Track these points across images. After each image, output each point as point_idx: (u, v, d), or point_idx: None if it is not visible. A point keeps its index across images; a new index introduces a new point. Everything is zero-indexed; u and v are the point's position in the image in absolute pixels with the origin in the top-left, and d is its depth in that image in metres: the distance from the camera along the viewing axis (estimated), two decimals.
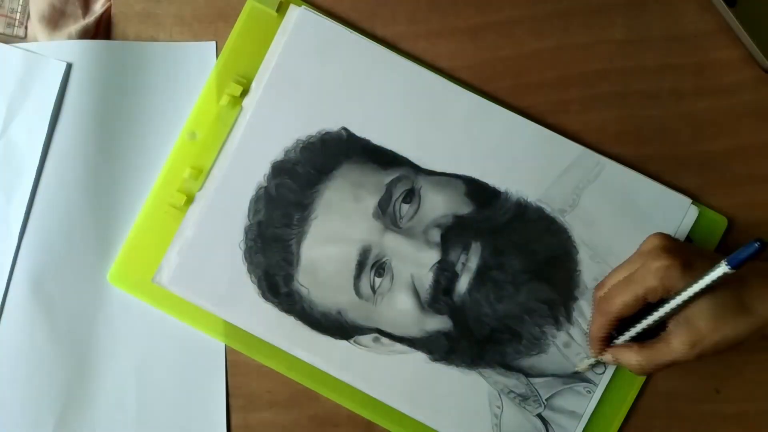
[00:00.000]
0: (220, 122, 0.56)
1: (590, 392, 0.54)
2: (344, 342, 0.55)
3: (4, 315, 0.55)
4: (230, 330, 0.55)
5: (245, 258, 0.55)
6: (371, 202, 0.55)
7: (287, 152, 0.55)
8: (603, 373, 0.54)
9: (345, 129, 0.55)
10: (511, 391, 0.55)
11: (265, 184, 0.55)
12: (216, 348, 0.56)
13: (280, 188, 0.55)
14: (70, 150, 0.56)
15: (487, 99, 0.55)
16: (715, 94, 0.56)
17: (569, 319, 0.54)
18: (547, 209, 0.55)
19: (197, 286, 0.55)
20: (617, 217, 0.55)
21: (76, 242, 0.56)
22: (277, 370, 0.55)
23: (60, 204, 0.56)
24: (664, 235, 0.49)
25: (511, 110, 0.55)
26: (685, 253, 0.47)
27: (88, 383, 0.56)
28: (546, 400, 0.55)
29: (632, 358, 0.49)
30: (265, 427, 0.56)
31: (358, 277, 0.54)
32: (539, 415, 0.55)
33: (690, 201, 0.55)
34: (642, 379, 0.55)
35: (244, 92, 0.56)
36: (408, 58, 0.56)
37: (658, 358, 0.48)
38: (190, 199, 0.55)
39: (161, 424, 0.56)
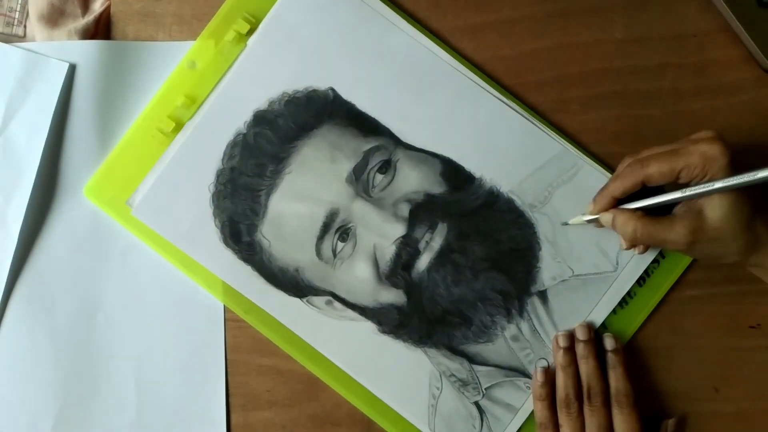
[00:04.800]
0: (221, 56, 0.55)
1: (530, 388, 0.55)
2: (297, 300, 0.55)
3: (5, 315, 0.55)
4: (191, 264, 0.55)
5: (212, 201, 0.55)
6: (347, 166, 0.55)
7: (271, 103, 0.55)
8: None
9: (332, 89, 0.55)
10: (453, 375, 0.55)
11: (244, 131, 0.55)
12: (216, 347, 0.56)
13: (258, 138, 0.55)
14: (70, 150, 0.55)
15: (482, 79, 0.55)
16: (715, 93, 0.56)
17: (521, 313, 0.55)
18: (518, 202, 0.55)
19: (161, 218, 0.55)
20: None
21: (78, 243, 0.56)
22: (241, 316, 0.55)
23: (61, 203, 0.56)
24: (720, 134, 0.48)
25: (504, 92, 0.56)
26: (733, 153, 0.47)
27: (87, 383, 0.56)
28: (485, 389, 0.55)
29: (631, 223, 0.50)
30: (265, 426, 0.56)
31: (321, 238, 0.54)
32: (476, 403, 0.55)
33: None
34: None
35: (252, 31, 0.55)
36: (407, 32, 0.56)
37: (656, 233, 0.49)
38: (179, 127, 0.55)
39: (161, 423, 0.56)
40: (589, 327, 0.54)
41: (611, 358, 0.53)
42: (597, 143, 0.56)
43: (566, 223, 0.54)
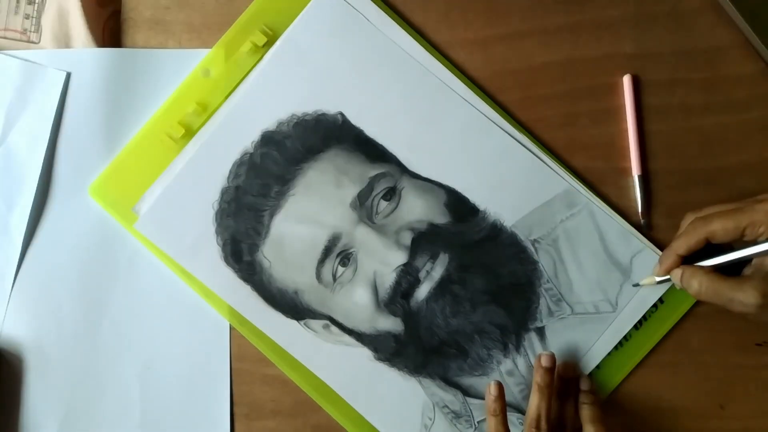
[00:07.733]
0: (236, 67, 0.55)
1: (522, 424, 0.55)
2: (294, 322, 0.55)
3: (7, 321, 0.55)
4: (194, 277, 0.55)
5: (216, 218, 0.55)
6: (352, 191, 0.54)
7: (280, 124, 0.55)
8: None
9: (342, 114, 0.55)
10: (446, 406, 0.55)
11: (251, 151, 0.55)
12: (221, 356, 0.56)
13: (265, 158, 0.55)
14: (75, 158, 0.56)
15: (494, 110, 0.55)
16: (725, 109, 0.56)
17: (518, 348, 0.55)
18: (521, 237, 0.55)
19: (163, 233, 0.55)
20: (588, 260, 0.55)
21: (84, 250, 0.56)
22: (242, 334, 0.56)
23: (65, 210, 0.56)
24: None
25: (515, 125, 0.55)
26: None
27: (92, 389, 0.56)
28: (478, 422, 0.55)
29: (697, 277, 0.49)
30: None
31: (322, 262, 0.54)
32: None
33: None
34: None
35: (268, 44, 0.55)
36: (418, 61, 0.56)
37: (723, 291, 0.49)
38: (188, 134, 0.55)
39: (165, 431, 0.56)
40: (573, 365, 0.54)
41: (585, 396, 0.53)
42: (605, 158, 0.56)
43: (638, 285, 0.54)
